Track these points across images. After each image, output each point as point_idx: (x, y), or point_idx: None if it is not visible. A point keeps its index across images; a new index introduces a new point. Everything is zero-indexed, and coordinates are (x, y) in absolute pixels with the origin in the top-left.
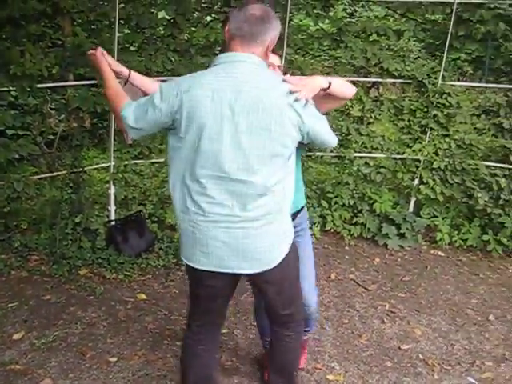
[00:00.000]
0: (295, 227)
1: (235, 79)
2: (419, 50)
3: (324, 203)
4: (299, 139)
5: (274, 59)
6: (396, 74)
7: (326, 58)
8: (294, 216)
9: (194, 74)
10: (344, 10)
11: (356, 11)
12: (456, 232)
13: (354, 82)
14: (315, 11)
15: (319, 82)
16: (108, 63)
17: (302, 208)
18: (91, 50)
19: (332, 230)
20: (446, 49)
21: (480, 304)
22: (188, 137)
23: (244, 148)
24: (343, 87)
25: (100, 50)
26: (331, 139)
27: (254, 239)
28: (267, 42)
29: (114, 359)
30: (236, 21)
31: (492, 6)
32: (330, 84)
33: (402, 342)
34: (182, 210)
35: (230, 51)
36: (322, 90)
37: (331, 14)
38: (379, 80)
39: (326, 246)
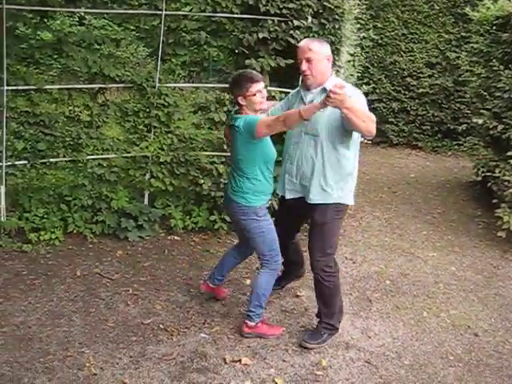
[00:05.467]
0: None
1: None
2: (144, 57)
3: (64, 207)
4: None
5: (262, 84)
6: (117, 79)
7: (54, 66)
8: None
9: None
10: (71, 17)
11: (85, 18)
12: (188, 217)
13: (80, 90)
14: (34, 21)
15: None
16: None
17: None
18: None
19: (75, 232)
20: (160, 55)
21: None
22: None
23: None
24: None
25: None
26: None
27: None
28: None
29: None
30: None
31: (195, 17)
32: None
33: (144, 318)
34: None
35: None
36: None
37: (56, 22)
38: (103, 86)
39: (70, 247)
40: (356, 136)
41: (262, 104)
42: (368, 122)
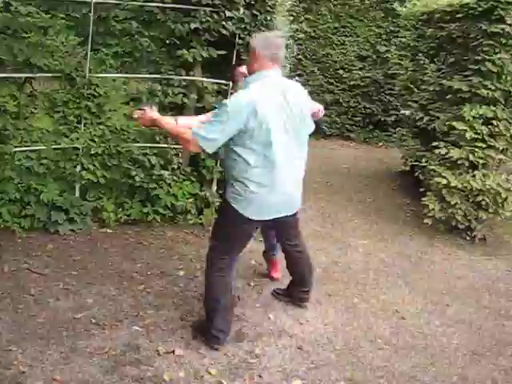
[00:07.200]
0: None
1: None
2: (74, 47)
3: None
4: None
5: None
6: (46, 68)
7: None
8: None
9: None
10: None
11: (11, 4)
12: (120, 209)
13: (6, 79)
14: None
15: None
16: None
17: None
18: (139, 113)
19: (2, 226)
20: (90, 44)
21: (144, 267)
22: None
23: None
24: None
25: (147, 110)
26: None
27: None
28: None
29: None
30: (271, 47)
31: (126, 6)
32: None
33: (75, 313)
34: None
35: (263, 69)
36: None
37: None
38: (30, 75)
39: None
40: (250, 144)
41: None
42: (180, 139)
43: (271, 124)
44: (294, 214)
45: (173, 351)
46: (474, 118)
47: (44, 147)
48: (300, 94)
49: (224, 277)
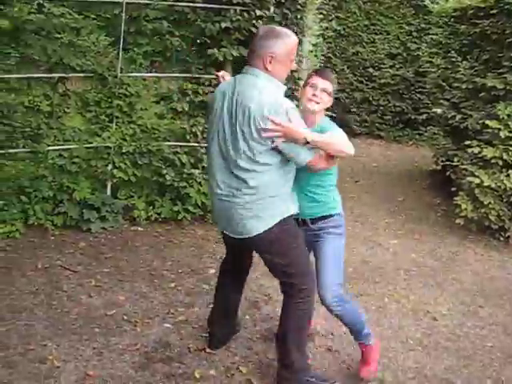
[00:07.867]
0: (317, 230)
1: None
2: (106, 47)
3: (24, 198)
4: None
5: (326, 84)
6: (78, 68)
7: (12, 55)
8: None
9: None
10: (29, 4)
11: (44, 6)
12: (151, 207)
13: (40, 79)
14: None
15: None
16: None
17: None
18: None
19: (36, 224)
20: (121, 44)
21: (174, 265)
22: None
23: None
24: (331, 148)
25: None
26: None
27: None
28: (263, 56)
29: None
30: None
31: (156, 6)
32: (309, 141)
33: (107, 309)
34: None
35: None
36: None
37: (14, 9)
38: (63, 75)
39: (31, 239)
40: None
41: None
42: None
43: (214, 123)
44: (248, 247)
45: (204, 349)
46: (508, 116)
47: (76, 146)
48: (257, 101)
49: (224, 286)
